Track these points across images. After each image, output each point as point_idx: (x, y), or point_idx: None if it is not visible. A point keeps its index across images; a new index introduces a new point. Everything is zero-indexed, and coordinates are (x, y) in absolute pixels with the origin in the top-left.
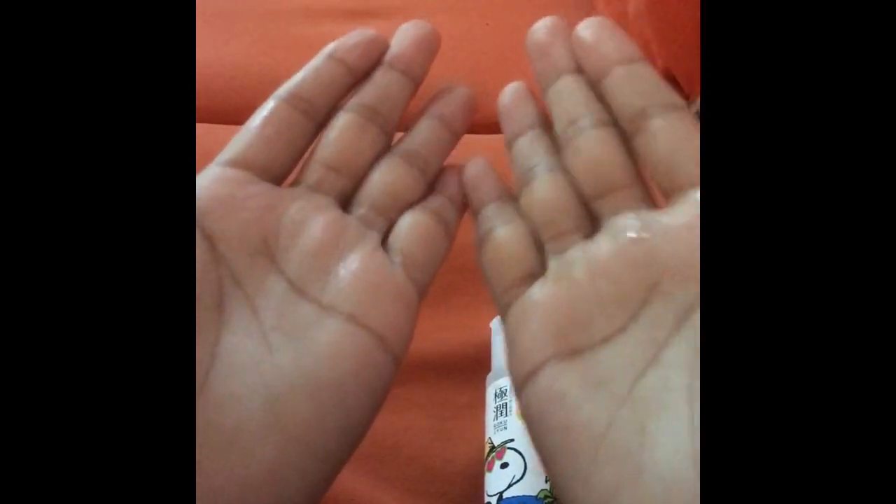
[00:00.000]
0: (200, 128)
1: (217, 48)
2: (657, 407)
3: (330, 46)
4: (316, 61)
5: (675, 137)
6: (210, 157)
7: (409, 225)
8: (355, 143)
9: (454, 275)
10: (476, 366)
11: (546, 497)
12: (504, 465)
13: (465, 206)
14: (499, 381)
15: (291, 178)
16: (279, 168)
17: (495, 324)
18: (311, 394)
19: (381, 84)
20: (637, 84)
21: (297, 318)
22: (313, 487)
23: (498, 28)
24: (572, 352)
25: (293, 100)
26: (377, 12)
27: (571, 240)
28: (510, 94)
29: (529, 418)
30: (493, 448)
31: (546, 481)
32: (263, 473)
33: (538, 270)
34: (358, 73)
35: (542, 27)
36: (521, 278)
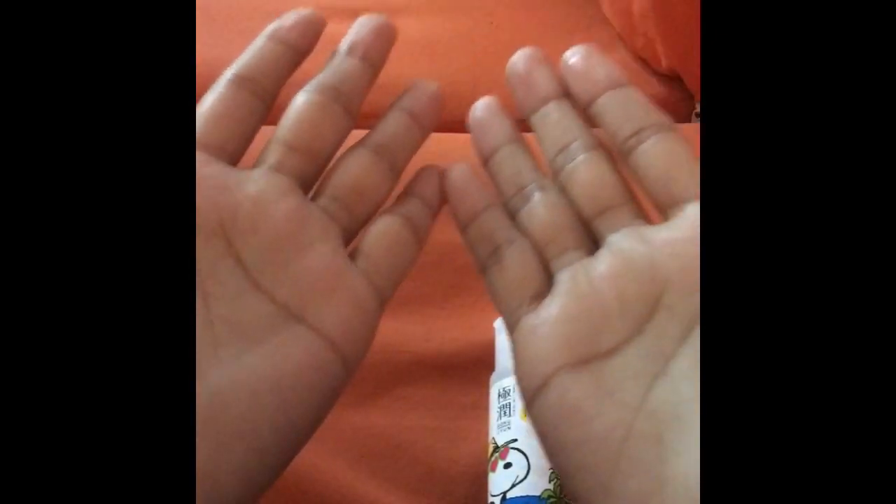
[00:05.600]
0: None
1: (220, 48)
2: (671, 418)
3: (269, 28)
4: (258, 42)
5: (671, 154)
6: None
7: (380, 231)
8: (316, 121)
9: (457, 275)
10: (480, 366)
11: (549, 497)
12: (507, 466)
13: (440, 208)
14: (502, 381)
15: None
16: (233, 147)
17: (499, 323)
18: (252, 390)
19: (340, 68)
20: (629, 107)
21: (247, 311)
22: (250, 483)
23: (502, 26)
24: (581, 361)
25: (239, 81)
26: (381, 12)
27: (575, 256)
28: (482, 108)
29: (543, 433)
30: (496, 448)
31: (549, 482)
32: (198, 469)
33: (545, 288)
34: (300, 51)
35: (520, 57)
36: (530, 297)
